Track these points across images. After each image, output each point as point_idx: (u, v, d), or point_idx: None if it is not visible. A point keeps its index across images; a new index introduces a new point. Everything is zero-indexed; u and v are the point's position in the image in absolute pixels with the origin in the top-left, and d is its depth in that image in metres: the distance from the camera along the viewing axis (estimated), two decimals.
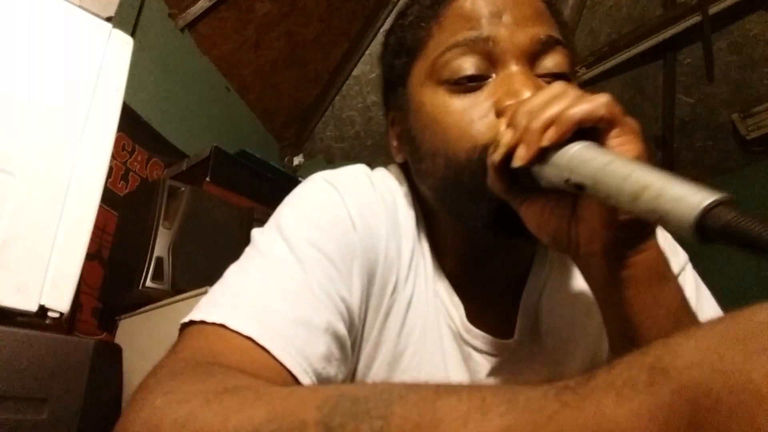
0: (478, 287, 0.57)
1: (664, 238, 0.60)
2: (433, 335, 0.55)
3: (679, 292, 0.44)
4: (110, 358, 1.00)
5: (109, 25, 1.04)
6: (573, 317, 0.57)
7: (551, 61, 0.50)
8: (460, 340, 0.55)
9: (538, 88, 0.46)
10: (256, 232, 0.52)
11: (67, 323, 1.39)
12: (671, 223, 0.32)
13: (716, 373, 0.17)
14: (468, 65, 0.49)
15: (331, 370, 0.44)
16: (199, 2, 2.05)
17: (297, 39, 2.39)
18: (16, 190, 0.86)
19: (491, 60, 0.49)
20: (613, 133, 0.40)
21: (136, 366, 1.13)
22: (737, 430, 0.16)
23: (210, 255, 1.47)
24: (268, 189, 1.86)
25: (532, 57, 0.49)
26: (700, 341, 0.19)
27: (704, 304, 0.57)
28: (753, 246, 0.28)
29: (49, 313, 0.86)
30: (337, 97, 2.67)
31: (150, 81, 1.86)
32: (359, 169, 0.59)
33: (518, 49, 0.49)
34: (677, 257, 0.59)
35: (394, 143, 0.61)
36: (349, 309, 0.48)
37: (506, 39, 0.49)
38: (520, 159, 0.41)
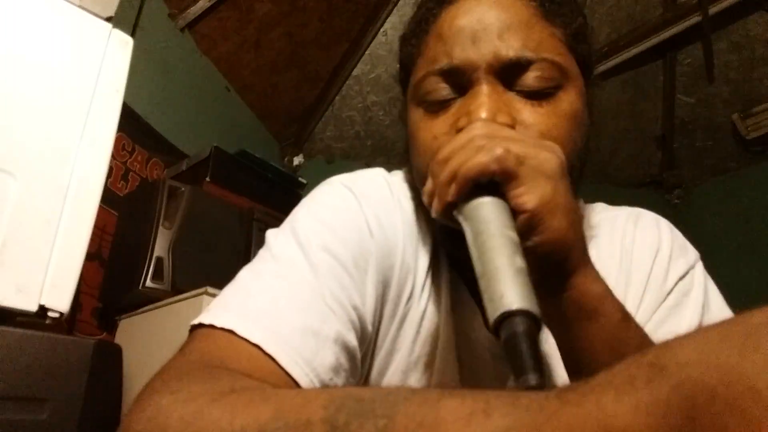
0: None
1: (674, 237, 0.59)
2: (448, 344, 0.54)
3: (614, 325, 0.43)
4: (110, 358, 1.00)
5: (109, 25, 1.04)
6: None
7: (530, 78, 0.49)
8: (478, 343, 0.54)
9: (496, 109, 0.47)
10: (270, 234, 0.52)
11: (67, 323, 1.39)
12: (487, 315, 0.34)
13: (712, 369, 0.18)
14: (441, 92, 0.51)
15: (339, 381, 0.44)
16: (199, 2, 2.05)
17: (297, 39, 2.39)
18: (16, 190, 0.86)
19: (464, 83, 0.50)
20: (510, 186, 0.40)
21: (136, 366, 1.13)
22: (733, 423, 0.17)
23: (210, 255, 1.47)
24: (268, 189, 1.87)
25: (506, 75, 0.49)
26: (698, 341, 0.19)
27: (711, 303, 0.56)
28: (513, 364, 0.30)
29: (49, 313, 0.86)
30: (337, 97, 2.67)
31: (150, 81, 1.86)
32: (378, 174, 0.59)
33: (488, 70, 0.49)
34: (686, 256, 0.59)
35: None
36: (360, 318, 0.48)
37: (476, 62, 0.49)
38: (434, 212, 0.43)
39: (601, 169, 2.88)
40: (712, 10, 2.16)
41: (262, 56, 2.37)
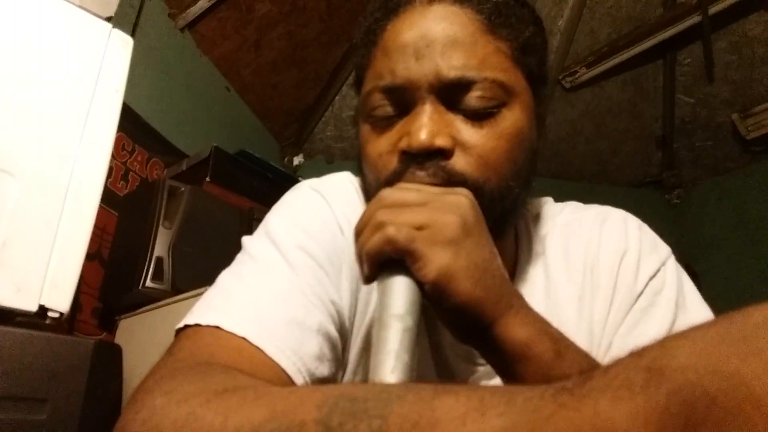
0: None
1: (642, 235, 0.58)
2: (421, 340, 0.54)
3: (546, 365, 0.43)
4: (110, 358, 1.00)
5: (109, 25, 1.04)
6: (558, 323, 0.56)
7: (472, 98, 0.48)
8: (447, 346, 0.55)
9: (436, 130, 0.47)
10: (246, 240, 0.54)
11: (67, 323, 1.39)
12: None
13: (711, 374, 0.17)
14: (385, 109, 0.51)
15: (324, 369, 0.45)
16: (199, 2, 2.05)
17: (297, 39, 2.39)
18: (16, 190, 0.86)
19: (407, 102, 0.50)
20: (409, 261, 0.41)
21: (136, 366, 1.13)
22: None
23: (210, 255, 1.47)
24: (268, 189, 1.86)
25: (447, 94, 0.49)
26: (695, 343, 0.19)
27: (686, 300, 0.55)
28: None
29: (49, 313, 0.86)
30: (337, 97, 2.67)
31: (150, 81, 1.86)
32: (344, 177, 0.60)
33: (430, 90, 0.48)
34: (657, 253, 0.57)
35: None
36: (339, 312, 0.49)
37: (418, 81, 0.48)
38: (363, 279, 0.44)
39: (601, 169, 2.88)
40: (712, 10, 2.16)
41: (262, 56, 2.37)
